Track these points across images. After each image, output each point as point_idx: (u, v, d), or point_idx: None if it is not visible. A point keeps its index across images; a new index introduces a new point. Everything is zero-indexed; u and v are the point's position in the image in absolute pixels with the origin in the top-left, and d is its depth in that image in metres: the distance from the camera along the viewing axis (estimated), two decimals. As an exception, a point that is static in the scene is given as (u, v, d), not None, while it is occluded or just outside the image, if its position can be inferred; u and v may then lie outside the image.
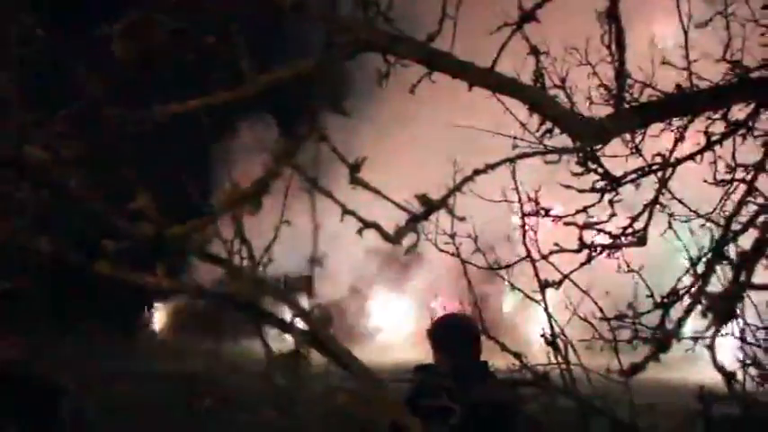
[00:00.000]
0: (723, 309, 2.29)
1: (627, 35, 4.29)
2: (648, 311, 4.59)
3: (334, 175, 2.86)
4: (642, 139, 4.48)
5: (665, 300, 4.58)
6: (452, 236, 5.03)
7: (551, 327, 5.00)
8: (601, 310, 4.73)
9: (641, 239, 4.05)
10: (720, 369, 3.21)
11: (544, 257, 4.77)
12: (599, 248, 4.03)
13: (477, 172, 3.68)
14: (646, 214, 4.09)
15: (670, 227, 4.51)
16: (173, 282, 1.76)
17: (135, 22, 1.86)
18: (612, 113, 3.86)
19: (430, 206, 3.08)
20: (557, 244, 4.19)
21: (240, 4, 3.27)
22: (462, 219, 3.70)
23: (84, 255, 1.67)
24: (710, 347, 3.31)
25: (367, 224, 2.74)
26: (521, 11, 3.54)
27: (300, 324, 2.07)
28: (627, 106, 3.57)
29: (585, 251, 4.02)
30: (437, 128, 20.51)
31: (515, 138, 4.76)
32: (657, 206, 4.04)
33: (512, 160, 4.06)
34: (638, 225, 4.12)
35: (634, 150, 4.06)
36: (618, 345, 4.64)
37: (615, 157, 4.41)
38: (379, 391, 1.93)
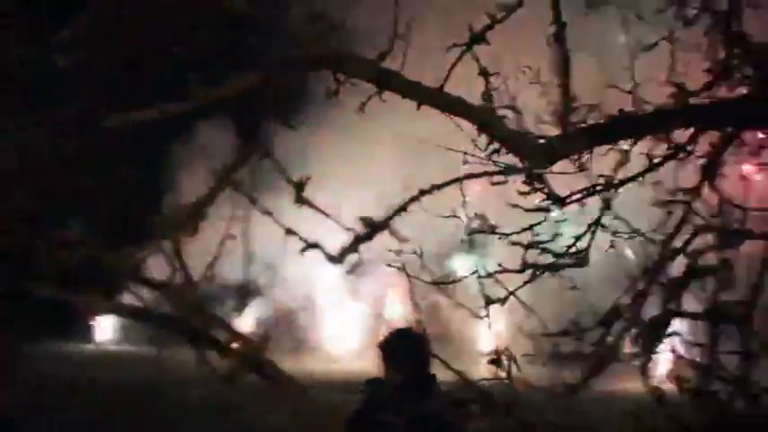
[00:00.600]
0: (652, 336, 2.33)
1: (577, 58, 4.36)
2: (591, 329, 4.65)
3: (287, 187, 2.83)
4: (589, 159, 4.53)
5: (605, 319, 4.64)
6: (398, 252, 5.07)
7: (497, 343, 5.07)
8: (545, 326, 4.78)
9: (582, 260, 4.10)
10: (652, 390, 3.29)
11: (489, 275, 4.81)
12: (541, 269, 4.06)
13: (422, 192, 3.70)
14: (589, 235, 4.14)
15: (612, 246, 4.57)
16: (108, 304, 1.72)
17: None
18: (560, 135, 3.92)
19: (373, 228, 3.09)
20: (500, 264, 4.22)
21: (193, 17, 3.24)
22: (405, 240, 3.73)
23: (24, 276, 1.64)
24: (642, 370, 3.39)
25: (309, 244, 2.74)
26: (471, 32, 3.58)
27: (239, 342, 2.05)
28: (574, 128, 3.63)
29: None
30: (390, 139, 20.47)
31: (465, 153, 4.79)
32: (600, 227, 4.09)
33: (458, 180, 4.11)
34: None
35: (580, 170, 4.10)
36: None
37: (564, 174, 4.44)
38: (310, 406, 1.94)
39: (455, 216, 4.72)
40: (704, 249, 3.56)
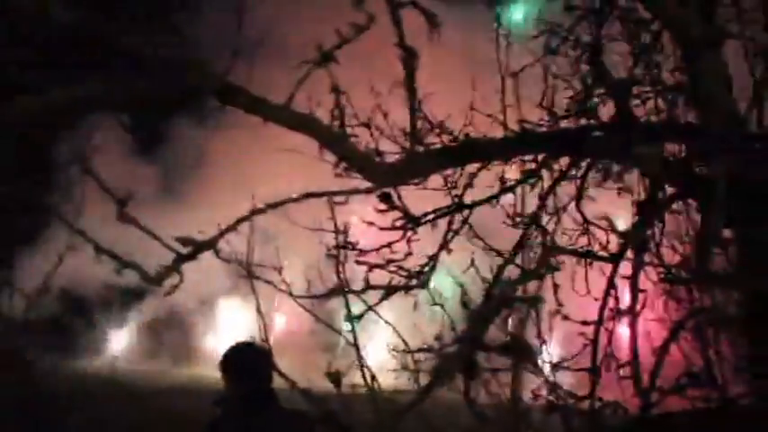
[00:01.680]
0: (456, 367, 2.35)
1: (448, 77, 4.37)
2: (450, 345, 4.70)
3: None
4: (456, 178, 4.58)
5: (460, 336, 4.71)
6: (279, 270, 5.02)
7: (359, 356, 5.06)
8: (405, 342, 4.80)
9: (424, 283, 4.12)
10: (475, 414, 3.35)
11: (353, 292, 4.80)
12: (387, 290, 4.06)
13: (254, 212, 3.63)
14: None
15: (473, 265, 4.62)
16: None
17: None
18: (406, 156, 3.93)
19: (197, 247, 2.99)
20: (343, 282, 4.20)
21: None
22: (229, 260, 3.66)
23: None
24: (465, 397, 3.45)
25: (125, 264, 2.61)
26: (320, 51, 3.53)
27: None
28: (422, 149, 3.64)
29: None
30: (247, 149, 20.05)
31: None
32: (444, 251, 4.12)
33: (295, 200, 4.06)
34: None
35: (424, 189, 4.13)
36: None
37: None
38: None
39: (322, 229, 4.69)
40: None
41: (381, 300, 4.12)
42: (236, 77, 3.25)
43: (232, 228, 2.82)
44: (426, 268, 4.15)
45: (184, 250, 2.47)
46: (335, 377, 3.57)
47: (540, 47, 5.26)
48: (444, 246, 4.15)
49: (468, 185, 3.99)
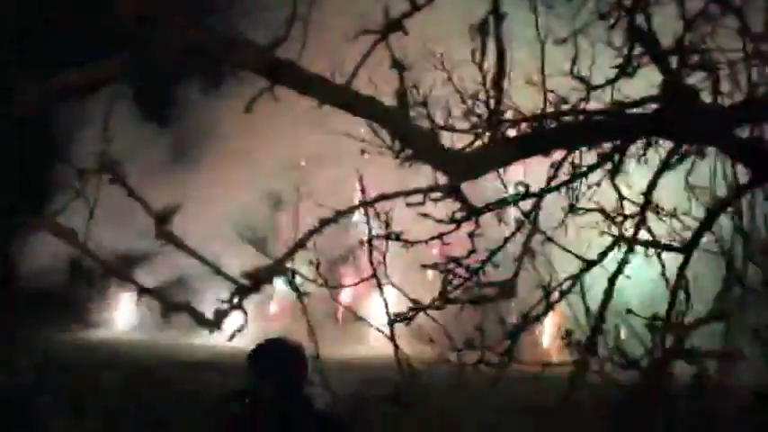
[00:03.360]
0: None
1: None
2: (501, 341, 4.22)
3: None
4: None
5: (515, 328, 4.22)
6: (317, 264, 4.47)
7: (397, 355, 4.55)
8: (449, 337, 4.29)
9: (509, 291, 3.54)
10: None
11: (387, 285, 4.25)
12: (463, 303, 3.49)
13: (323, 222, 3.04)
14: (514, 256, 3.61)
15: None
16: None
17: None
18: (485, 145, 3.32)
19: (258, 280, 2.38)
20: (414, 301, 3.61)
21: None
22: (304, 292, 3.09)
23: None
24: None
25: (173, 306, 1.99)
26: (386, 20, 2.91)
27: None
28: (499, 137, 3.05)
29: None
30: (283, 130, 19.40)
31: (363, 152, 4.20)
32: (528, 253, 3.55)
33: (368, 204, 3.47)
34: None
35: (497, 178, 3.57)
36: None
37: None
38: None
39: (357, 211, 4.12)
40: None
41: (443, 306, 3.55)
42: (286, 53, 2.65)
43: (301, 245, 2.23)
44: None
45: (246, 281, 1.88)
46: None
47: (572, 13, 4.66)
48: (509, 239, 3.58)
49: (553, 177, 3.41)
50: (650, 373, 2.90)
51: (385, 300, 4.31)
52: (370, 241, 4.07)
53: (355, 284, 4.67)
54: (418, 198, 2.94)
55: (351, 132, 4.82)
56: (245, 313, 1.84)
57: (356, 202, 3.10)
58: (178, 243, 1.85)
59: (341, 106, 2.69)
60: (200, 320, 1.69)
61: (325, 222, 2.28)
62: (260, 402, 3.57)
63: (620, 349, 2.99)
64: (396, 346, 4.32)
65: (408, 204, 2.88)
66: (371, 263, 4.37)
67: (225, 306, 1.81)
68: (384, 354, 4.54)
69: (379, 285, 4.38)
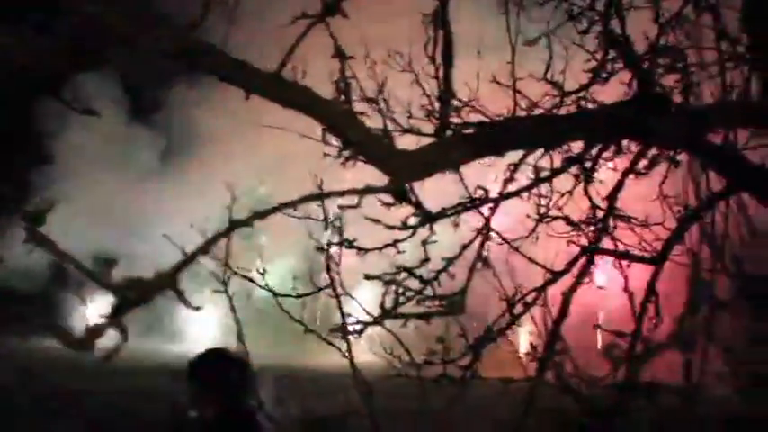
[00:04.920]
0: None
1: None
2: (463, 355, 3.93)
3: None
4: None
5: (476, 342, 3.93)
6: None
7: (353, 368, 4.25)
8: (408, 352, 3.99)
9: (456, 307, 3.22)
10: None
11: (345, 294, 3.96)
12: (408, 318, 3.17)
13: (235, 224, 2.72)
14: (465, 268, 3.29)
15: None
16: None
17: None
18: (435, 143, 2.99)
19: (144, 293, 2.05)
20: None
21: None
22: (198, 308, 2.76)
23: None
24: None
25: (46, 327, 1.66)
26: (323, 2, 2.60)
27: None
28: (453, 135, 2.74)
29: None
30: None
31: (326, 154, 3.90)
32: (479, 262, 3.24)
33: (298, 203, 3.12)
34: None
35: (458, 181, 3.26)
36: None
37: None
38: None
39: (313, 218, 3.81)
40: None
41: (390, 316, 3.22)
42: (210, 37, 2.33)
43: (191, 259, 1.92)
44: (442, 274, 3.26)
45: (132, 294, 1.57)
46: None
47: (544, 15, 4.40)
48: (467, 246, 3.26)
49: (509, 180, 3.10)
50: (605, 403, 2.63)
51: (342, 311, 4.02)
52: (326, 248, 3.79)
53: (308, 294, 4.35)
54: (352, 200, 2.62)
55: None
56: (124, 331, 1.52)
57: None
58: (50, 246, 1.52)
59: (270, 97, 2.38)
60: (70, 343, 1.37)
61: (220, 235, 1.97)
62: (200, 416, 3.24)
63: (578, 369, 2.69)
64: (351, 360, 4.03)
65: (340, 207, 2.57)
66: (329, 272, 4.08)
67: (101, 322, 1.49)
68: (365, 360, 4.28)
69: (337, 297, 4.09)
